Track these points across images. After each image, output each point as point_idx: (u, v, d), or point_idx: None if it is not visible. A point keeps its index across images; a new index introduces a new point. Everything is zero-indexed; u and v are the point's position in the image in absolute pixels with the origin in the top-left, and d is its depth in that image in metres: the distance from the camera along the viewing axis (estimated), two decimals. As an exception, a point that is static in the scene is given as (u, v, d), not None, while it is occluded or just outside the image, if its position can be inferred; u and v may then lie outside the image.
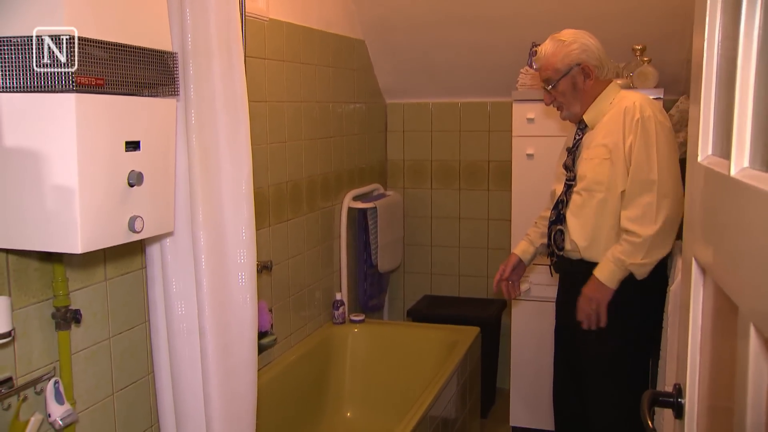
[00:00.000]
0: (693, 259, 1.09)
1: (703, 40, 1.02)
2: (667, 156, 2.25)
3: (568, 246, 2.43)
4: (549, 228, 2.52)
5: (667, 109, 3.11)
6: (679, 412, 1.13)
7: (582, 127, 2.44)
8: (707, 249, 0.99)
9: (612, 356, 2.39)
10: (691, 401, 1.09)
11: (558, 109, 2.48)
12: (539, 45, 2.43)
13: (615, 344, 2.38)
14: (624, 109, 2.30)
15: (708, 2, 1.01)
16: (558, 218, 2.47)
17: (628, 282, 2.31)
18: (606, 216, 2.34)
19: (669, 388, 1.22)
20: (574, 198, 2.41)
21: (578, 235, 2.38)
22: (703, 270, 1.05)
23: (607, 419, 2.44)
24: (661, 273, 2.38)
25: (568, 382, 2.59)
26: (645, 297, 2.36)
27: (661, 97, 3.13)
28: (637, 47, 3.22)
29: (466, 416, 3.18)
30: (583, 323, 2.36)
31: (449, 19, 3.49)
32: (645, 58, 3.20)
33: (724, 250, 0.88)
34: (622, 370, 2.40)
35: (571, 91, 2.37)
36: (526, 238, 2.70)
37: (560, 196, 2.48)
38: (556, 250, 2.49)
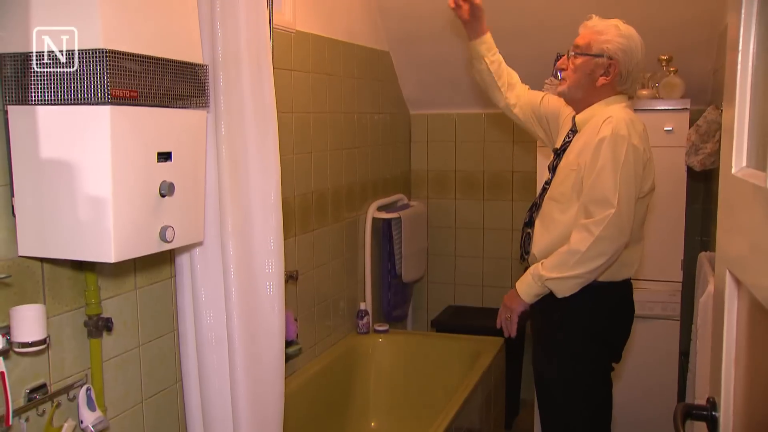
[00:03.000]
0: (727, 271, 1.08)
1: (738, 48, 1.01)
2: (627, 181, 2.07)
3: (530, 255, 2.32)
4: (522, 229, 2.42)
5: (693, 120, 3.09)
6: (713, 425, 1.12)
7: (574, 129, 2.29)
8: (743, 261, 0.99)
9: (557, 379, 2.29)
10: (726, 415, 1.08)
11: (560, 80, 2.28)
12: (562, 55, 2.29)
13: (561, 367, 2.28)
14: (601, 122, 2.13)
15: (743, 10, 1.01)
16: (530, 221, 2.36)
17: (580, 304, 2.17)
18: (562, 229, 2.19)
19: (701, 401, 1.21)
20: (544, 205, 2.29)
21: (538, 245, 2.27)
22: (738, 282, 1.04)
23: None
24: (621, 298, 2.28)
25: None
26: (601, 321, 2.25)
27: (688, 107, 3.12)
28: (663, 57, 3.20)
29: (490, 427, 3.17)
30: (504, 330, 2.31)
31: (474, 30, 3.49)
32: (671, 68, 3.18)
33: (763, 262, 0.87)
34: (570, 394, 2.28)
35: (585, 74, 2.19)
36: None
37: (536, 198, 2.39)
38: (524, 254, 2.37)
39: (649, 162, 2.15)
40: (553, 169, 2.33)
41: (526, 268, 2.36)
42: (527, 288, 2.19)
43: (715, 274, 1.17)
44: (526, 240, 2.36)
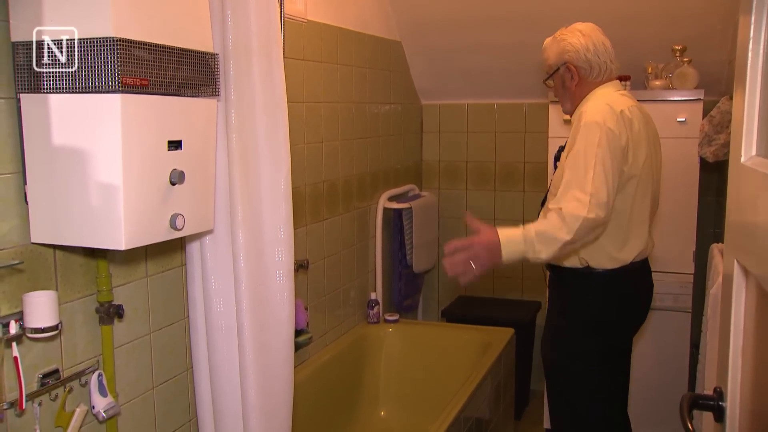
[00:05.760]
0: (735, 261, 1.07)
1: (749, 35, 1.00)
2: (603, 162, 2.05)
3: None
4: None
5: (707, 111, 3.07)
6: (719, 415, 1.12)
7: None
8: (751, 251, 0.98)
9: (557, 366, 2.32)
10: (733, 405, 1.07)
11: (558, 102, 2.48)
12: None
13: (561, 354, 2.31)
14: (580, 114, 2.21)
15: None
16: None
17: (582, 292, 2.24)
18: None
19: (709, 392, 1.21)
20: (547, 201, 2.36)
21: None
22: (746, 272, 1.04)
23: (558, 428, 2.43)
24: (626, 287, 2.26)
25: None
26: (611, 309, 2.25)
27: (701, 98, 3.09)
28: (676, 47, 3.18)
29: (499, 417, 3.17)
30: (449, 267, 2.07)
31: (486, 21, 3.48)
32: (685, 59, 3.16)
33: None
34: (572, 382, 2.31)
35: (560, 87, 2.35)
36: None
37: (543, 199, 2.47)
38: None
39: (630, 144, 2.13)
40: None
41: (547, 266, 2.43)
42: (512, 252, 2.03)
43: (724, 263, 1.17)
44: None
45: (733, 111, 1.13)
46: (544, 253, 2.02)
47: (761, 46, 0.99)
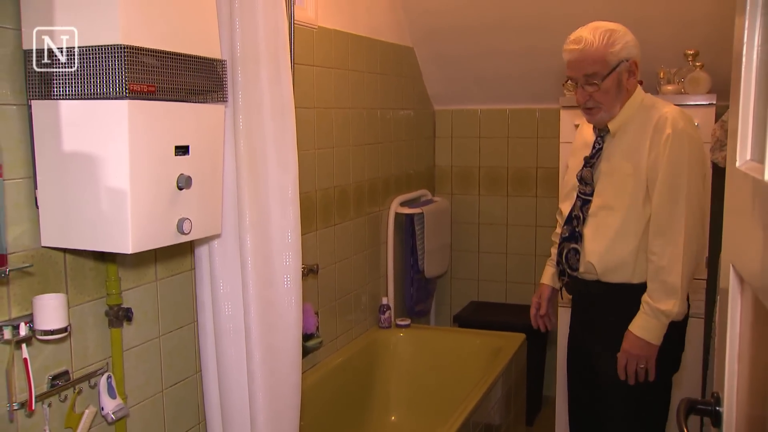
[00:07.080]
0: (731, 266, 1.07)
1: (743, 42, 1.01)
2: (697, 176, 2.08)
3: (582, 268, 2.22)
4: (560, 245, 2.30)
5: (719, 116, 3.05)
6: (716, 420, 1.12)
7: (603, 135, 2.20)
8: (745, 257, 0.98)
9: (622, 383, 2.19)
10: (729, 410, 1.07)
11: (589, 111, 2.16)
12: (566, 81, 2.20)
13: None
14: (655, 120, 2.09)
15: (748, 3, 1.00)
16: (572, 236, 2.24)
17: None
18: (628, 238, 2.13)
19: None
20: (593, 215, 2.20)
21: (597, 258, 2.17)
22: (741, 278, 1.04)
23: None
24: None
25: (584, 405, 2.43)
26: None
27: (714, 102, 3.07)
28: (689, 52, 3.16)
29: (510, 423, 3.17)
30: (630, 380, 2.15)
31: (498, 26, 3.49)
32: (697, 64, 3.14)
33: (763, 258, 0.87)
34: (641, 395, 2.20)
35: (615, 88, 2.10)
36: (549, 262, 2.49)
37: (575, 211, 2.26)
38: (568, 270, 2.27)
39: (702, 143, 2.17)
40: (587, 179, 2.24)
41: (566, 284, 2.34)
42: (655, 330, 2.09)
43: (721, 269, 1.17)
44: (571, 255, 2.26)
45: (729, 116, 1.14)
46: (676, 304, 2.06)
47: (755, 53, 0.99)
